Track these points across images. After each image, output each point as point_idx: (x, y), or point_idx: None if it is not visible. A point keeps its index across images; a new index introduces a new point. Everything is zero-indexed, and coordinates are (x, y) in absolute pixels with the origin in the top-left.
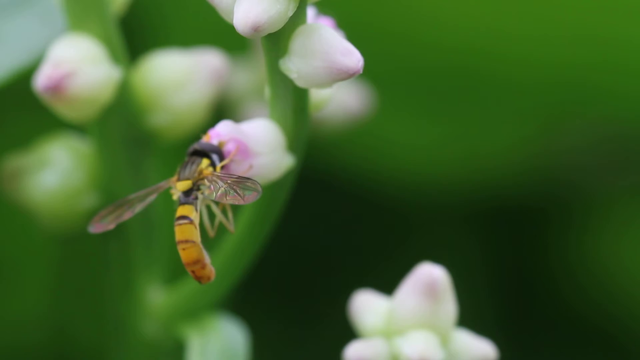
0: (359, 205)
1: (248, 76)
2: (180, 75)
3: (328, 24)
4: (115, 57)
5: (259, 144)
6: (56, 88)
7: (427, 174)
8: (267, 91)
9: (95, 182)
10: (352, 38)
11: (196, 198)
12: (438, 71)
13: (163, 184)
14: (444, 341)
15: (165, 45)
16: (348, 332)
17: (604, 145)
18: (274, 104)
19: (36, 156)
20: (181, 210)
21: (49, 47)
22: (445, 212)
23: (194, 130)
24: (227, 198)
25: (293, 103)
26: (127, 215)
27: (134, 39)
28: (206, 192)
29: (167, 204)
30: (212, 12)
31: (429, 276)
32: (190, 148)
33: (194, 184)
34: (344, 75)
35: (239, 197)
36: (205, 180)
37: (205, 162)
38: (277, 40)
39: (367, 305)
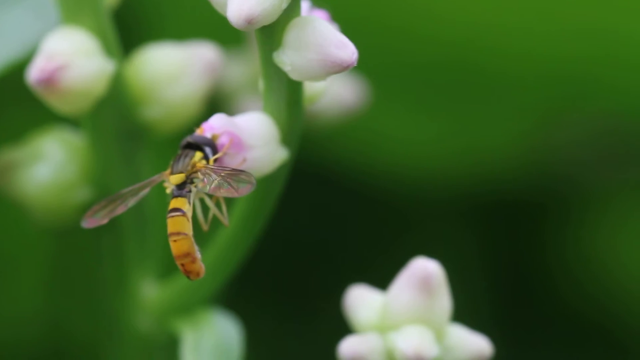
0: (354, 200)
1: (242, 69)
2: (174, 68)
3: (322, 16)
4: (108, 50)
5: (252, 137)
6: (49, 81)
7: (423, 168)
8: (261, 84)
9: (88, 175)
10: (347, 31)
11: (189, 191)
12: (435, 65)
13: (156, 178)
14: (439, 336)
15: (160, 38)
16: (343, 327)
17: (602, 140)
18: (267, 96)
19: (29, 149)
20: (174, 203)
21: (42, 40)
22: (442, 206)
23: (187, 124)
24: (221, 190)
25: (287, 96)
26: (120, 210)
27: (129, 32)
28: (200, 185)
29: (160, 198)
30: (207, 5)
31: (424, 270)
32: (183, 141)
33: (187, 177)
34: (338, 68)
35: (232, 190)
36: (199, 173)
37: (198, 155)
38: (271, 33)
39: (361, 300)
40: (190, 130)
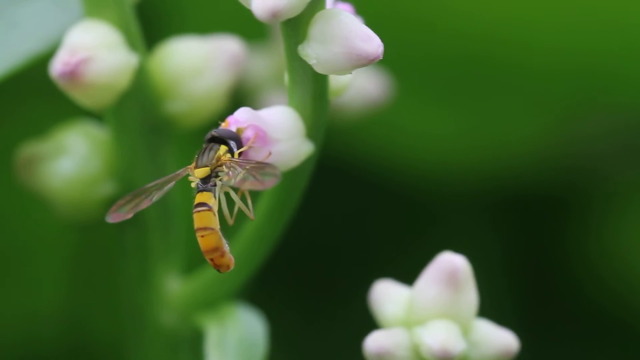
0: (376, 194)
1: (265, 63)
2: (198, 61)
3: (347, 9)
4: (132, 43)
5: (277, 130)
6: (72, 74)
7: (445, 162)
8: (286, 77)
9: (112, 169)
10: (368, 25)
11: (215, 185)
12: (455, 59)
13: (181, 172)
14: (465, 331)
15: (181, 32)
16: (367, 322)
17: (623, 133)
18: (292, 90)
19: (52, 143)
20: (200, 198)
21: (65, 33)
22: (464, 201)
23: (211, 118)
24: (246, 183)
25: (312, 89)
26: (145, 204)
27: (150, 27)
28: (225, 179)
29: (184, 192)
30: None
31: (451, 265)
32: (207, 135)
33: (212, 170)
34: (364, 61)
35: (257, 182)
36: (224, 167)
37: (223, 148)
38: (296, 26)
39: (387, 295)
40: (215, 124)
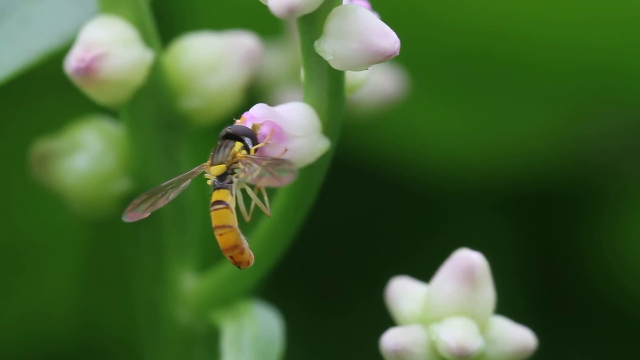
0: (390, 192)
1: (281, 59)
2: (213, 57)
3: (364, 5)
4: (147, 39)
5: (293, 127)
6: (87, 70)
7: (458, 160)
8: (302, 74)
9: (127, 166)
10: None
11: (231, 182)
12: (468, 55)
13: (197, 169)
14: (482, 328)
15: (194, 29)
16: (383, 320)
17: (635, 130)
18: (308, 86)
19: (67, 139)
20: (216, 195)
21: (80, 29)
22: (477, 198)
23: (227, 114)
24: (263, 180)
25: (328, 85)
26: (161, 203)
27: (163, 23)
28: (241, 176)
29: (199, 189)
30: None
31: (468, 262)
32: (222, 131)
33: (228, 167)
34: (380, 57)
35: (274, 179)
36: (240, 164)
37: (238, 145)
38: (312, 22)
39: (404, 292)
40: (230, 121)
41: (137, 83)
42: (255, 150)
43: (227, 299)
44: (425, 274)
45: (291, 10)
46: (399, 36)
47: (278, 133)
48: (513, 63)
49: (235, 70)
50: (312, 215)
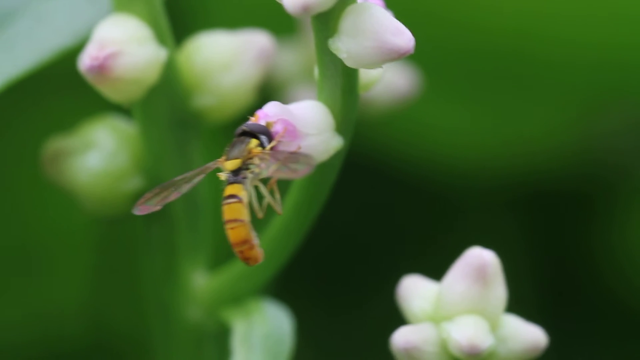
0: (401, 190)
1: (294, 58)
2: (226, 55)
3: (378, 3)
4: (161, 38)
5: (307, 125)
6: (101, 68)
7: (469, 158)
8: (315, 72)
9: (140, 164)
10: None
11: (245, 177)
12: (478, 53)
13: (210, 165)
14: (493, 326)
15: (207, 27)
16: (393, 318)
17: None
18: (322, 84)
19: (80, 137)
20: (230, 190)
21: (94, 27)
22: (488, 197)
23: (240, 112)
24: (280, 173)
25: (342, 83)
26: (173, 197)
27: (178, 21)
28: (256, 170)
29: (212, 186)
30: None
31: (480, 260)
32: (238, 129)
33: (243, 162)
34: (395, 55)
35: (291, 172)
36: (255, 159)
37: (254, 142)
38: (326, 20)
39: (415, 290)
40: (245, 119)
41: (150, 81)
42: (270, 148)
43: (237, 297)
44: (436, 272)
45: (306, 9)
46: (415, 35)
47: (291, 131)
48: (525, 61)
49: (249, 68)
50: (324, 214)
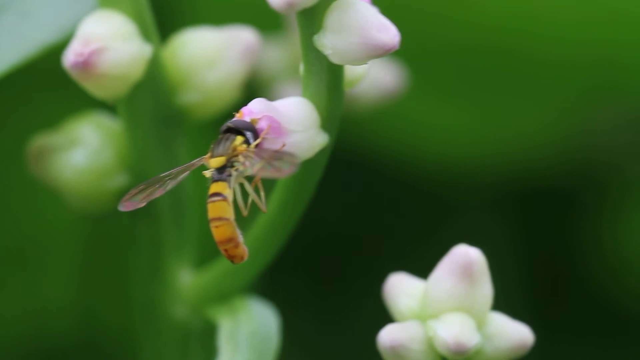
0: (390, 187)
1: (280, 54)
2: (212, 52)
3: None
4: (146, 34)
5: (292, 121)
6: (85, 65)
7: (459, 155)
8: (301, 68)
9: (125, 161)
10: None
11: (230, 175)
12: (469, 50)
13: (196, 162)
14: (480, 324)
15: (194, 23)
16: (381, 315)
17: (636, 125)
18: (307, 81)
19: (65, 134)
20: (214, 187)
21: (78, 23)
22: (478, 193)
23: (225, 109)
24: (264, 171)
25: (327, 80)
26: (158, 193)
27: (163, 17)
28: (241, 168)
29: (197, 184)
30: None
31: (466, 257)
32: (223, 126)
33: (228, 160)
34: (380, 52)
35: (275, 171)
36: (240, 156)
37: (239, 139)
38: (311, 16)
39: (401, 288)
40: (230, 115)
41: (135, 78)
42: (255, 145)
43: (223, 295)
44: (425, 269)
45: (290, 5)
46: (400, 30)
47: (276, 128)
48: (515, 58)
49: (234, 64)
50: (311, 211)
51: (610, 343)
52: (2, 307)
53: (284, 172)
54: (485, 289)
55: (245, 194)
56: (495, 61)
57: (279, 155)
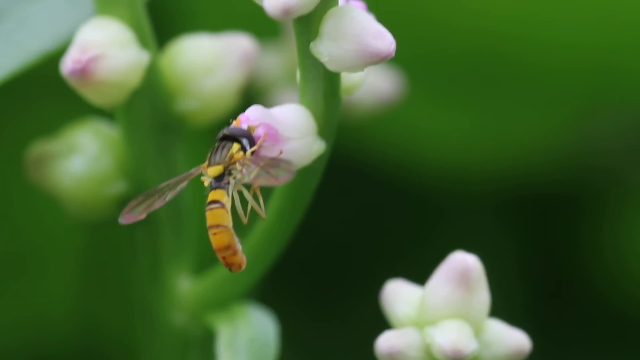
0: (388, 193)
1: (277, 61)
2: (209, 59)
3: (359, 6)
4: (143, 41)
5: (289, 129)
6: (83, 72)
7: (458, 161)
8: (297, 75)
9: (123, 168)
10: (380, 22)
11: (228, 183)
12: (467, 56)
13: (194, 171)
14: (477, 331)
15: (192, 31)
16: (379, 322)
17: (635, 131)
18: (304, 88)
19: (63, 141)
20: (213, 195)
21: (76, 30)
22: (476, 200)
23: (223, 116)
24: (261, 179)
25: (324, 87)
26: (158, 204)
27: (161, 24)
28: (238, 176)
29: (196, 191)
30: None
31: (463, 264)
32: (219, 133)
33: (225, 168)
34: (376, 59)
35: (272, 178)
36: (237, 164)
37: (236, 146)
38: (308, 23)
39: (398, 294)
40: (227, 123)
41: (133, 85)
42: (252, 152)
43: (222, 302)
44: (423, 276)
45: (286, 12)
46: (398, 37)
47: (273, 135)
48: (512, 64)
49: (232, 72)
50: (309, 217)
51: (611, 348)
52: (2, 314)
53: (281, 179)
54: (482, 296)
55: (244, 202)
56: (493, 67)
57: (275, 163)
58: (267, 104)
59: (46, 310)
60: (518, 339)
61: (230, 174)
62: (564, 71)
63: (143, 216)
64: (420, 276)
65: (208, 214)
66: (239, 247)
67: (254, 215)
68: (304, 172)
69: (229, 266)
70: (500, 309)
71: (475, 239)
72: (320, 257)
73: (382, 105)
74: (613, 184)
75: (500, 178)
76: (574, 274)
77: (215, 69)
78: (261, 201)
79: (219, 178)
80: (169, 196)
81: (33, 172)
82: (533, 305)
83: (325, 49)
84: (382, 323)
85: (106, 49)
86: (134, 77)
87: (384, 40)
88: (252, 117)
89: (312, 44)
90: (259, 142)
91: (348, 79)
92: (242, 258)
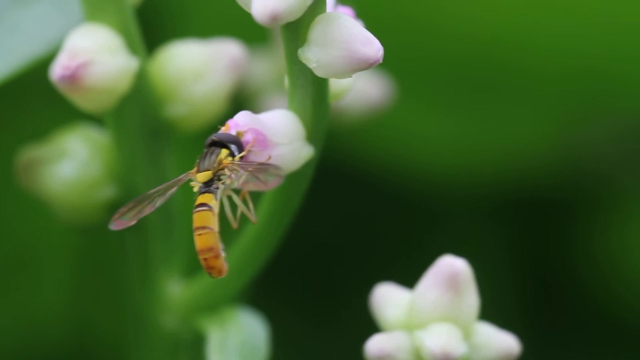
0: (379, 198)
1: (266, 67)
2: (198, 65)
3: (347, 13)
4: (132, 47)
5: (277, 134)
6: (72, 78)
7: (449, 166)
8: (286, 81)
9: (113, 173)
10: (370, 28)
11: (217, 188)
12: (459, 62)
13: (183, 177)
14: (466, 334)
15: (184, 36)
16: (369, 326)
17: (628, 136)
18: (293, 94)
19: (53, 147)
20: (201, 199)
21: (65, 37)
22: (469, 204)
23: (212, 121)
24: (250, 184)
25: (312, 93)
26: (148, 210)
27: (152, 30)
28: (227, 182)
29: (185, 196)
30: (230, 3)
31: (451, 268)
32: (208, 139)
33: (214, 174)
34: (364, 65)
35: (261, 184)
36: (226, 170)
37: (224, 152)
38: (296, 30)
39: (388, 298)
40: (215, 128)
41: (122, 90)
42: (240, 157)
43: (212, 306)
44: (415, 280)
45: (274, 18)
46: (390, 42)
47: (262, 140)
48: (505, 70)
49: (221, 77)
50: (301, 221)
51: (604, 352)
52: None
53: (269, 184)
54: (471, 299)
55: (234, 207)
56: (487, 73)
57: (264, 168)
58: (256, 109)
59: (39, 313)
60: (507, 342)
61: (219, 179)
62: (557, 76)
63: (133, 222)
64: (412, 280)
65: (195, 216)
66: (222, 252)
67: (243, 221)
68: (293, 177)
69: (210, 270)
70: (493, 313)
71: (467, 243)
72: (313, 261)
73: (372, 111)
74: (606, 188)
75: (493, 182)
76: (566, 277)
77: (204, 74)
78: (251, 205)
79: (208, 183)
80: (159, 202)
81: (23, 177)
82: (525, 309)
83: (314, 55)
84: (373, 326)
85: (95, 55)
86: (123, 83)
87: (372, 47)
88: (240, 122)
89: (300, 50)
90: (247, 148)
91: (337, 84)
92: (223, 264)
